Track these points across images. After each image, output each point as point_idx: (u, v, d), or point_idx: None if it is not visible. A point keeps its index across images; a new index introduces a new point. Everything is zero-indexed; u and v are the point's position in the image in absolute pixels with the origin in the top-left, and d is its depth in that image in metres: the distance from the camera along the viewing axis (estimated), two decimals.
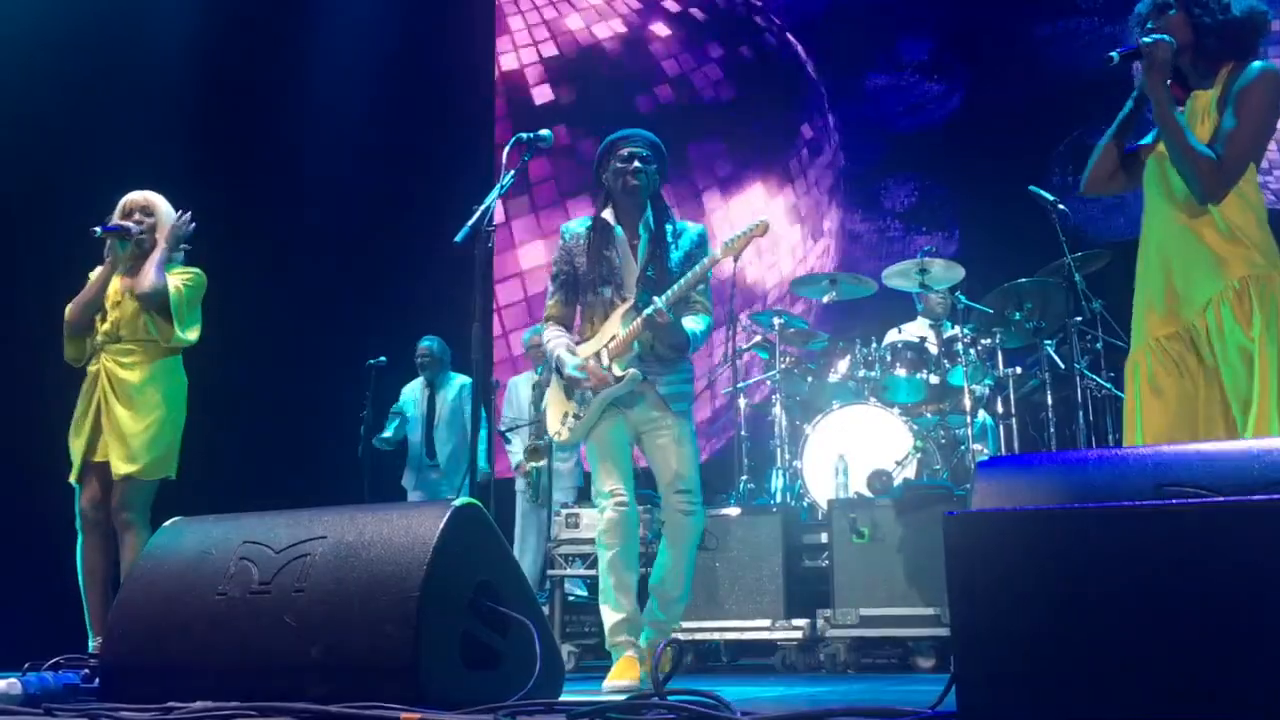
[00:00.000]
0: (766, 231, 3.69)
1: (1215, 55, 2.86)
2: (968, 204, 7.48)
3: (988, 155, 7.18)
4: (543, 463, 6.34)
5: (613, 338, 3.67)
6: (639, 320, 3.60)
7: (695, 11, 8.56)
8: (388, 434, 6.87)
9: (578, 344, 3.77)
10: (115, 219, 4.23)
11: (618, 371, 3.63)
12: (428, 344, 7.04)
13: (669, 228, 3.77)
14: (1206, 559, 1.51)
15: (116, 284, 4.23)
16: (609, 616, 3.64)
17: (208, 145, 7.17)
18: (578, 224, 3.85)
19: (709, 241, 3.82)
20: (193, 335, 4.18)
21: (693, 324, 3.68)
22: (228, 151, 7.29)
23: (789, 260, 8.05)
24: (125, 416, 4.03)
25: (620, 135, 3.81)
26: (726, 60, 8.43)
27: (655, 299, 3.57)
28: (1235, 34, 2.85)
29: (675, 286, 3.61)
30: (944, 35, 7.79)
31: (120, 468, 3.99)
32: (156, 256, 4.14)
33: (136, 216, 4.21)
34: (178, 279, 4.17)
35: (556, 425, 3.78)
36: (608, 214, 3.79)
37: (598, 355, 3.68)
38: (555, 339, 3.79)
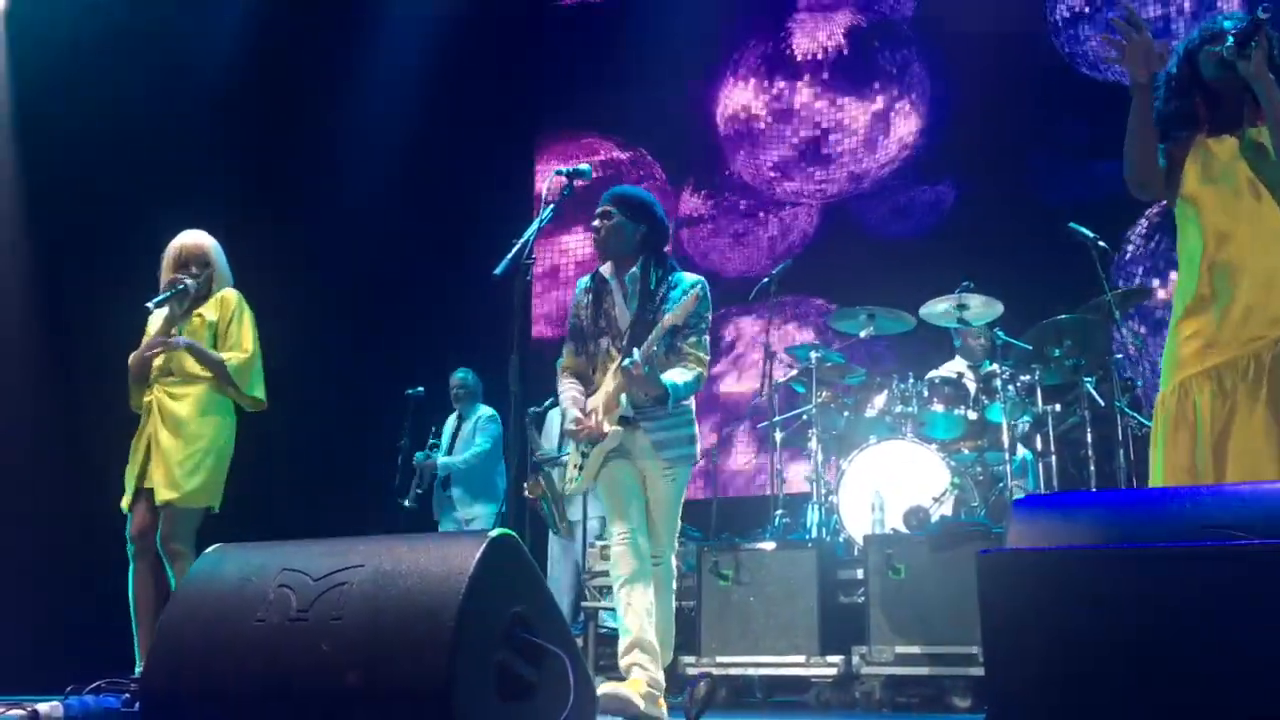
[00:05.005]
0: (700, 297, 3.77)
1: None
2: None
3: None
4: (538, 494, 6.40)
5: (609, 392, 3.82)
6: (621, 374, 3.72)
7: None
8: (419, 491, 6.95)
9: (588, 394, 3.91)
10: (166, 269, 4.28)
11: (606, 427, 3.76)
12: (461, 376, 7.11)
13: (657, 279, 3.85)
14: (1244, 601, 1.50)
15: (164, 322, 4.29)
16: (621, 641, 3.74)
17: (250, 177, 7.31)
18: (587, 278, 4.01)
19: (706, 294, 3.85)
20: (260, 393, 4.27)
21: (676, 375, 3.75)
22: (269, 184, 7.42)
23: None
24: (171, 444, 4.11)
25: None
26: None
27: (635, 351, 3.67)
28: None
29: (647, 341, 3.71)
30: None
31: (162, 493, 4.06)
32: (199, 358, 4.17)
33: (193, 269, 4.26)
34: (242, 343, 4.23)
35: (570, 474, 3.95)
36: (606, 268, 3.94)
37: (595, 410, 3.83)
38: (565, 391, 3.96)
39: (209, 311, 4.28)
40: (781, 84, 7.96)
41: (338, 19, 8.15)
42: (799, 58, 7.93)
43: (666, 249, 4.00)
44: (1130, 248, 6.85)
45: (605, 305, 3.90)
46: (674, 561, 3.93)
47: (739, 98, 8.09)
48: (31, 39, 6.92)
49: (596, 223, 3.92)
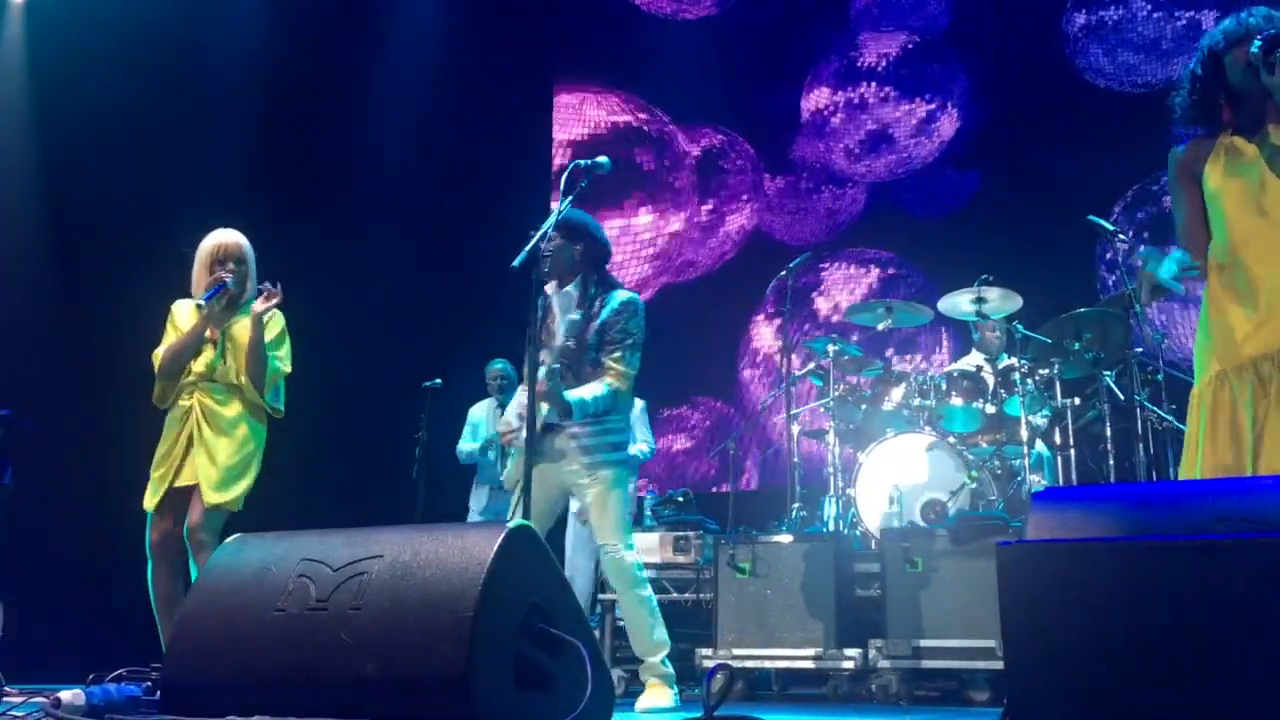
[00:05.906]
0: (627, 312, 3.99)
1: None
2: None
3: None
4: None
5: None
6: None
7: None
8: (473, 446, 6.92)
9: None
10: (202, 266, 4.27)
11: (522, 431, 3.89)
12: (500, 365, 7.07)
13: (592, 298, 4.03)
14: (1264, 593, 1.49)
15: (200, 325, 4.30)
16: None
17: (268, 168, 7.33)
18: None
19: (635, 310, 4.02)
20: (280, 405, 4.29)
21: (585, 391, 3.86)
22: (286, 176, 7.44)
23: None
24: (221, 448, 4.10)
25: None
26: None
27: (543, 368, 3.84)
28: None
29: (549, 359, 3.92)
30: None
31: (211, 496, 4.03)
32: (255, 336, 4.17)
33: (230, 266, 4.23)
34: (278, 355, 4.26)
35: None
36: (550, 286, 4.12)
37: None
38: (515, 398, 4.19)
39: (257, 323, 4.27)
40: (849, 87, 8.87)
41: (360, 15, 8.17)
42: (864, 66, 8.86)
43: (607, 266, 4.16)
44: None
45: (549, 320, 4.11)
46: (637, 554, 4.01)
47: (816, 98, 9.04)
48: (50, 34, 6.97)
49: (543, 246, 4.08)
